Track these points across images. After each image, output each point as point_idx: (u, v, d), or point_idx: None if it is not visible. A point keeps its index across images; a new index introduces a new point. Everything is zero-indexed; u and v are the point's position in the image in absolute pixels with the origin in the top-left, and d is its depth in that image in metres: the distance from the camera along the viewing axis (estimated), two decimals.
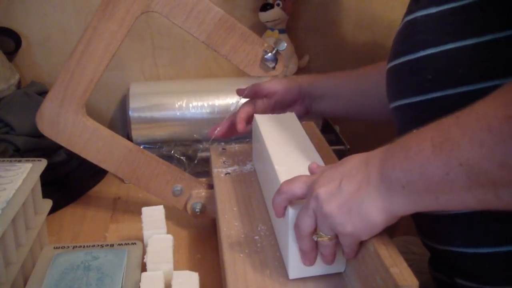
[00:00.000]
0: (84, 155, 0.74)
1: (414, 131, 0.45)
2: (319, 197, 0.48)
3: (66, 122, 0.72)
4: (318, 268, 0.54)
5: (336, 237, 0.49)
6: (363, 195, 0.46)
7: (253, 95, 0.79)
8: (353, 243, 0.49)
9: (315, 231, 0.50)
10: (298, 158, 0.61)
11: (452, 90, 0.49)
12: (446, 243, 0.55)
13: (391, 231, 0.49)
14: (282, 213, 0.53)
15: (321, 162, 0.59)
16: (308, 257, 0.52)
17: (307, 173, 0.55)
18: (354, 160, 0.49)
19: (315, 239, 0.50)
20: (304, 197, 0.50)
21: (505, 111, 0.37)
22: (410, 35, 0.54)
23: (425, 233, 0.60)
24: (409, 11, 0.55)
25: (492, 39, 0.46)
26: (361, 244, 0.50)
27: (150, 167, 0.76)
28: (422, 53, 0.51)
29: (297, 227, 0.51)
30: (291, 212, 0.52)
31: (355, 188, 0.46)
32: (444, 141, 0.40)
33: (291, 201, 0.52)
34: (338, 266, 0.54)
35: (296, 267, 0.54)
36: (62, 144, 0.74)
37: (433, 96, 0.51)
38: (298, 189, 0.51)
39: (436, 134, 0.42)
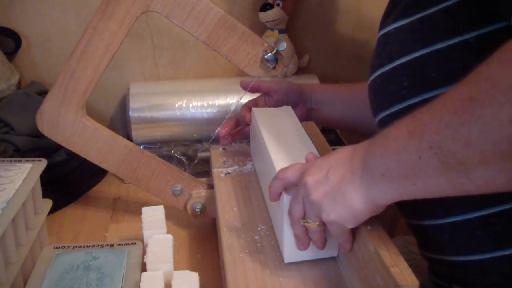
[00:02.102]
0: (84, 155, 0.74)
1: (395, 121, 0.46)
2: (307, 185, 0.50)
3: (66, 122, 0.72)
4: (311, 253, 0.56)
5: (323, 223, 0.51)
6: (346, 185, 0.48)
7: (255, 90, 0.81)
8: (341, 231, 0.50)
9: (304, 217, 0.52)
10: (293, 148, 0.63)
11: (428, 94, 0.50)
12: (437, 252, 0.57)
13: (391, 231, 0.50)
14: (277, 198, 0.55)
15: (315, 151, 0.61)
16: (302, 242, 0.54)
17: (302, 161, 0.56)
18: (343, 151, 0.51)
19: (302, 223, 0.52)
20: (297, 184, 0.52)
21: (468, 92, 0.38)
22: (383, 48, 0.56)
23: (419, 243, 0.61)
24: (382, 26, 0.57)
25: (460, 41, 0.48)
26: (361, 244, 0.50)
27: (150, 167, 0.76)
28: (396, 62, 0.53)
29: (289, 213, 0.53)
30: (285, 198, 0.54)
31: (340, 177, 0.48)
32: (416, 127, 0.42)
33: (286, 188, 0.54)
34: (331, 251, 0.57)
35: (290, 251, 0.56)
36: (62, 144, 0.74)
37: (410, 103, 0.52)
38: (291, 176, 0.53)
39: (410, 121, 0.43)
